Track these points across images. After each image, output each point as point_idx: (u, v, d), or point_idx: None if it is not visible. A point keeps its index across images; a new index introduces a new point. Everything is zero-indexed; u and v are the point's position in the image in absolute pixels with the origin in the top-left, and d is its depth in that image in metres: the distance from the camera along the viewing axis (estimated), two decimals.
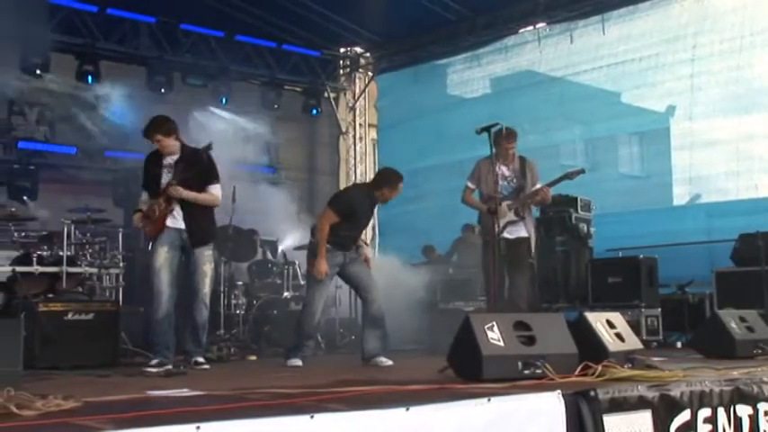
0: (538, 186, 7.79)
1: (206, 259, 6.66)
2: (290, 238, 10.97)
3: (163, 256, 6.57)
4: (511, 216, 7.67)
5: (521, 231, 7.75)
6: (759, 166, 10.71)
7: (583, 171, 7.90)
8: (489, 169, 7.52)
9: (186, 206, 6.62)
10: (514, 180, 7.81)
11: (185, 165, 6.59)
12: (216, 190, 6.74)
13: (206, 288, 6.65)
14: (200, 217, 6.68)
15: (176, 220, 6.64)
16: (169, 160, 6.69)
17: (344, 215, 7.06)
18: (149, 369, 6.27)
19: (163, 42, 12.77)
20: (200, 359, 6.68)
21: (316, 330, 7.51)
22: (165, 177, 6.63)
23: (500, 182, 7.59)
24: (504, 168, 7.76)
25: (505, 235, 7.60)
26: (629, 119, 12.53)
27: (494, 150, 7.21)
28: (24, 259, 8.01)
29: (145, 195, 6.83)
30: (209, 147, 6.67)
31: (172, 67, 12.93)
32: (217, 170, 6.77)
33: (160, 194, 6.59)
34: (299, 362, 6.97)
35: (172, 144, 6.63)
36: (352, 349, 9.09)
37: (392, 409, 3.34)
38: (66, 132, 12.10)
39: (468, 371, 4.69)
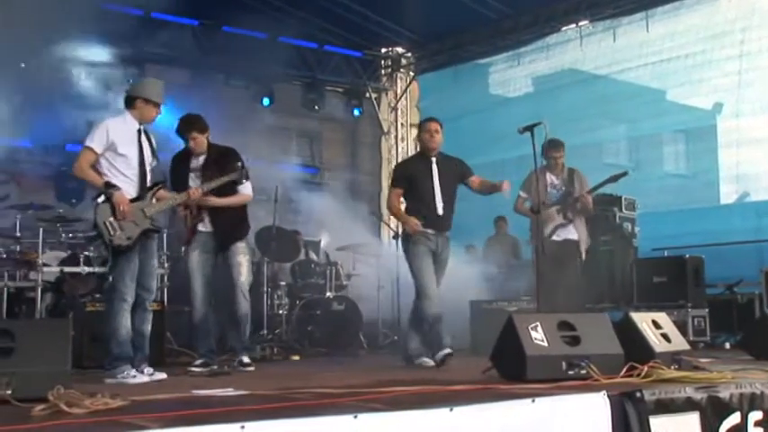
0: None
1: (239, 251, 6.63)
2: (333, 239, 10.98)
3: (196, 260, 6.61)
4: (559, 219, 7.91)
5: (569, 234, 7.93)
6: None
7: (626, 173, 7.93)
8: (539, 179, 7.65)
9: (213, 210, 6.59)
10: (563, 188, 8.04)
11: (215, 168, 6.53)
12: (246, 189, 6.66)
13: (242, 277, 6.60)
14: (228, 219, 6.62)
15: (206, 224, 6.64)
16: (195, 163, 6.65)
17: (404, 184, 7.17)
18: (194, 369, 6.35)
19: (206, 45, 12.90)
20: (246, 359, 6.66)
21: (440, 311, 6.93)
22: (193, 179, 6.58)
23: (549, 189, 7.97)
24: (552, 177, 8.09)
25: (554, 238, 7.77)
26: (675, 116, 12.36)
27: (543, 162, 7.54)
28: (72, 260, 8.16)
29: None
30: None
31: (215, 69, 13.05)
32: (245, 168, 6.66)
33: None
34: (430, 362, 6.77)
35: (204, 141, 6.62)
36: (394, 350, 9.08)
37: (436, 410, 3.34)
38: None
39: (511, 371, 4.67)
